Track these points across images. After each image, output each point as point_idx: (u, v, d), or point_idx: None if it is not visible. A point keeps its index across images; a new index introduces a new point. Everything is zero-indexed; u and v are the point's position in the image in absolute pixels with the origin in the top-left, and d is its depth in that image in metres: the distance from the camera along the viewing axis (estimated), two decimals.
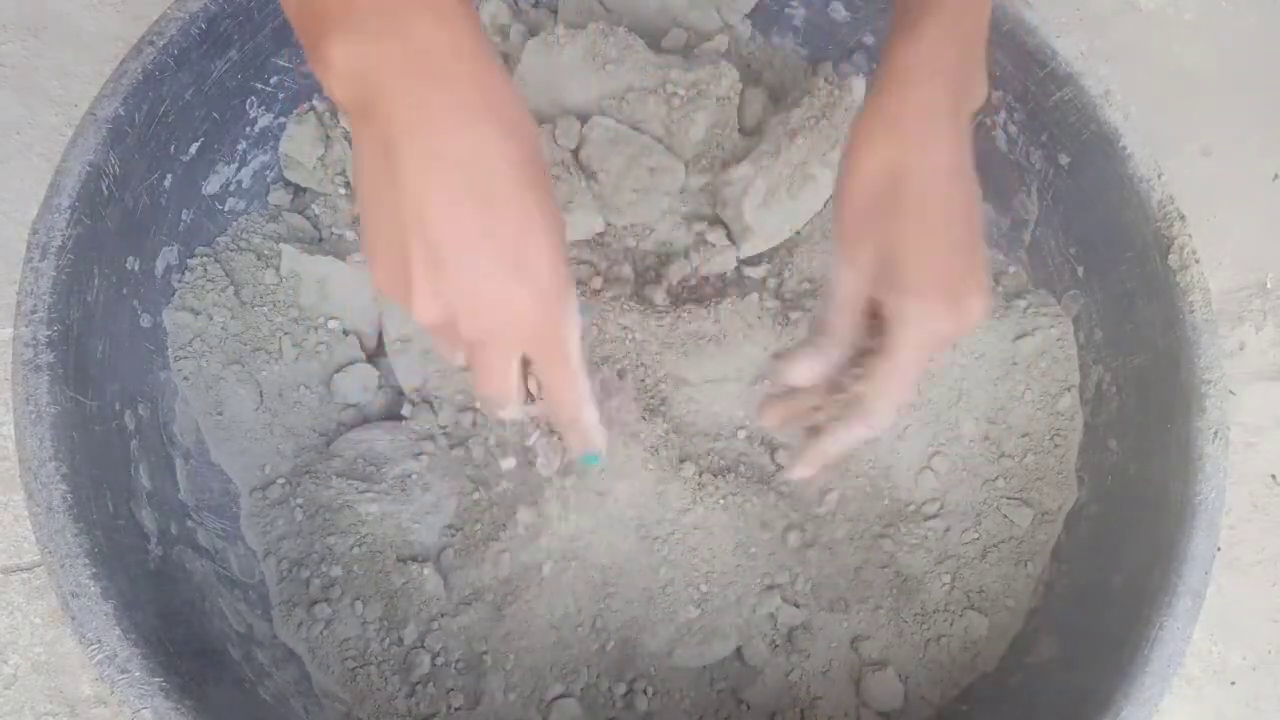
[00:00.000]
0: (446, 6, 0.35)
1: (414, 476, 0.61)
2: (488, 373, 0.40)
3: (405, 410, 0.64)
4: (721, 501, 0.60)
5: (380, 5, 0.34)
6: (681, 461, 0.61)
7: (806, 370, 0.46)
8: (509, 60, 0.71)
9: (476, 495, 0.61)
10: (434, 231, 0.36)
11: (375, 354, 0.66)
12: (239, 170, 0.65)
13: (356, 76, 0.35)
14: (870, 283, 0.44)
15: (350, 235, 0.67)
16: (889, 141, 0.43)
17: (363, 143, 0.36)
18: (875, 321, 0.45)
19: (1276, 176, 0.83)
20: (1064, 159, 0.64)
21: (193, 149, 0.61)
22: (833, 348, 0.45)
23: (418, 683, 0.56)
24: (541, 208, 0.37)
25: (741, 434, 0.63)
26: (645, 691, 0.57)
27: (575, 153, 0.66)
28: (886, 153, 0.43)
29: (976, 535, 0.61)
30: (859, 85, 0.67)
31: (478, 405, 0.44)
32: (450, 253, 0.36)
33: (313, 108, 0.67)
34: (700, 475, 0.60)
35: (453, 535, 0.60)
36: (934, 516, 0.62)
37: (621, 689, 0.57)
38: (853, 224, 0.44)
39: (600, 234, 0.67)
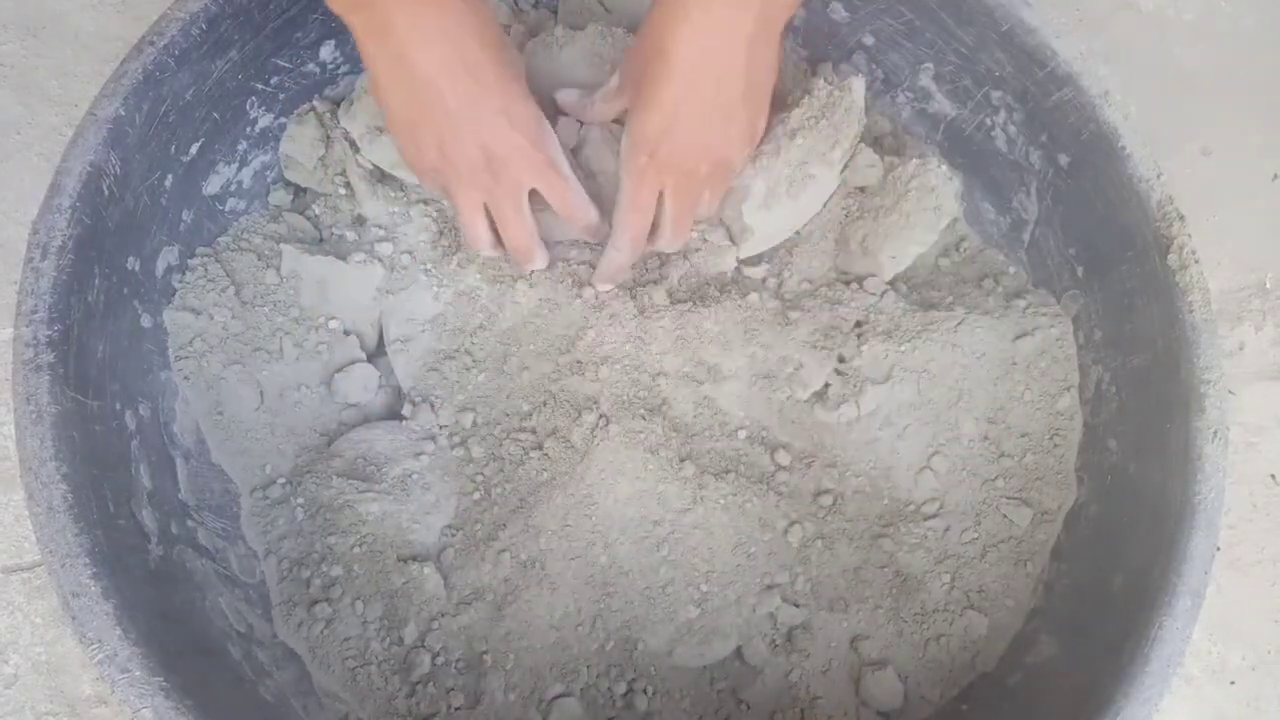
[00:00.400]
0: None
1: (414, 476, 0.61)
2: (508, 219, 0.55)
3: (405, 410, 0.64)
4: (721, 501, 0.60)
5: None
6: (681, 461, 0.61)
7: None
8: None
9: (476, 495, 0.61)
10: (444, 104, 0.51)
11: (375, 354, 0.66)
12: (239, 170, 0.65)
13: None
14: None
15: (350, 235, 0.67)
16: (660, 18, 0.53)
17: (380, 51, 0.50)
18: None
19: (1276, 176, 0.83)
20: (1063, 159, 0.64)
21: (193, 149, 0.61)
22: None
23: (418, 682, 0.56)
24: (511, 73, 0.53)
25: (742, 434, 0.63)
26: (645, 691, 0.57)
27: (575, 152, 0.66)
28: (653, 28, 0.54)
29: (976, 535, 0.61)
30: (859, 85, 0.67)
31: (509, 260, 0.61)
32: (460, 116, 0.52)
33: (313, 108, 0.67)
34: (700, 475, 0.60)
35: (453, 535, 0.60)
36: (934, 516, 0.62)
37: (621, 689, 0.57)
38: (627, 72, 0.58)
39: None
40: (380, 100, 0.53)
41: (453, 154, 0.52)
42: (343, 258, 0.65)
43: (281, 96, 0.66)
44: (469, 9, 0.51)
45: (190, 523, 0.57)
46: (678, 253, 0.68)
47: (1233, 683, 0.69)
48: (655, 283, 0.66)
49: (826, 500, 0.62)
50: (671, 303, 0.65)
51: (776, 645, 0.59)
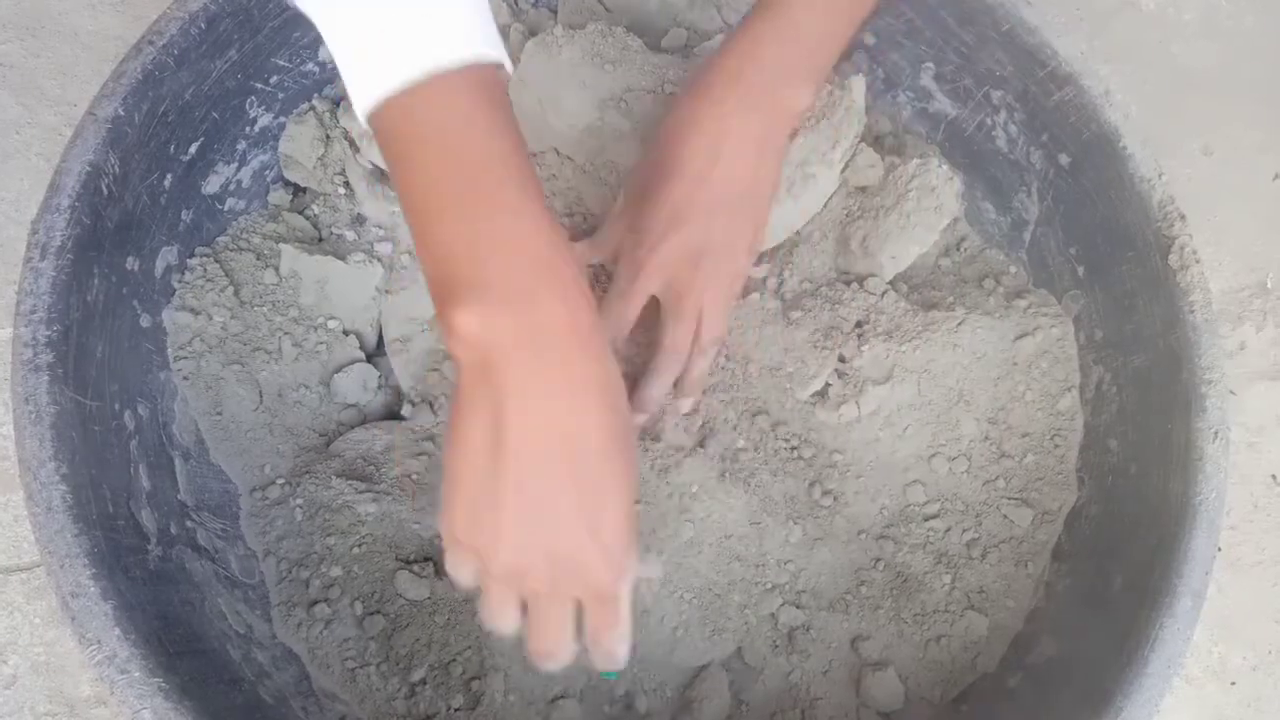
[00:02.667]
0: (569, 287, 0.39)
1: (414, 476, 0.61)
2: (545, 625, 0.44)
3: (405, 410, 0.64)
4: (722, 501, 0.60)
5: (509, 278, 0.38)
6: (683, 459, 0.61)
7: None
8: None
9: None
10: (529, 492, 0.40)
11: (375, 354, 0.66)
12: (239, 170, 0.65)
13: (478, 342, 0.38)
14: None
15: (350, 235, 0.67)
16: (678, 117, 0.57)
17: (474, 400, 0.39)
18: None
19: (1277, 176, 0.83)
20: (1064, 159, 0.64)
21: (192, 149, 0.61)
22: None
23: (417, 683, 0.56)
24: (619, 479, 0.41)
25: (741, 434, 0.63)
26: (645, 692, 0.57)
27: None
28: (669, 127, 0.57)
29: (977, 535, 0.61)
30: (859, 85, 0.67)
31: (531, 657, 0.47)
32: (540, 512, 0.40)
33: (312, 108, 0.67)
34: (700, 475, 0.60)
35: None
36: (934, 517, 0.62)
37: (621, 690, 0.57)
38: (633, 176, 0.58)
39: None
40: (450, 457, 0.41)
41: (514, 547, 0.41)
42: (342, 257, 0.64)
43: (281, 96, 0.66)
44: (596, 371, 0.40)
45: (189, 523, 0.57)
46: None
47: (1234, 683, 0.69)
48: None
49: (827, 500, 0.62)
50: None
51: (777, 646, 0.58)
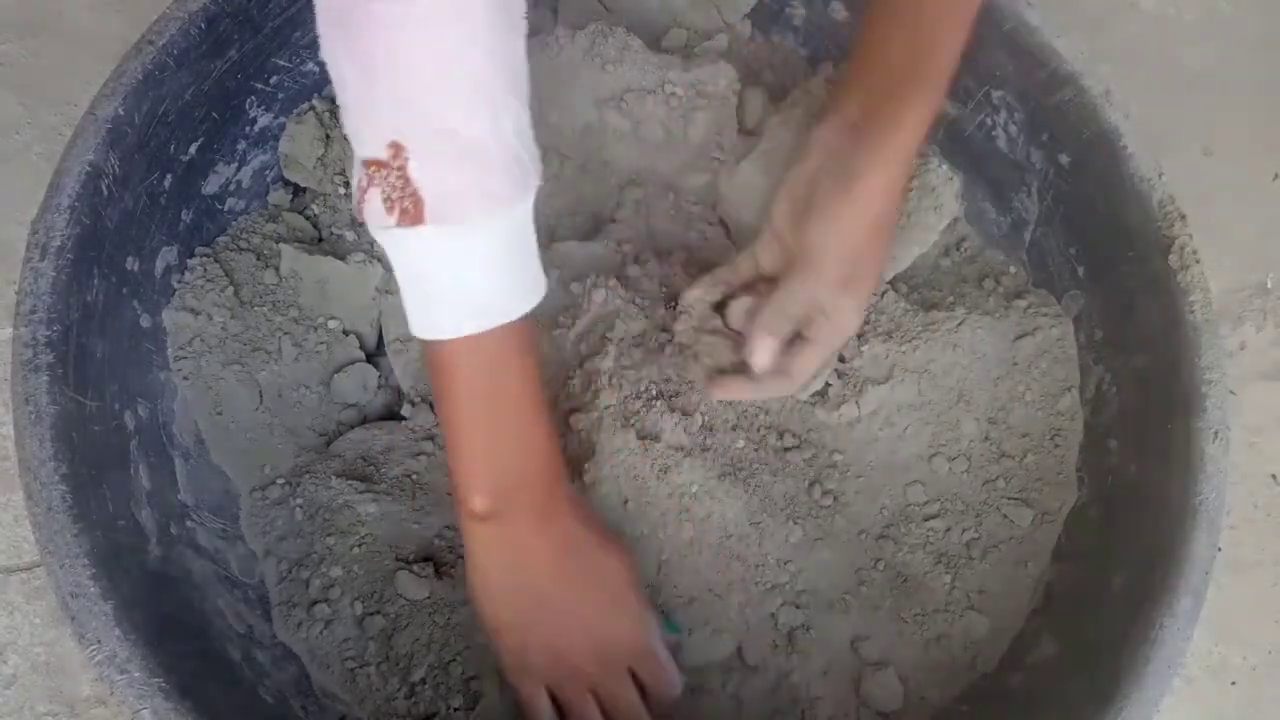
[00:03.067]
0: (547, 499, 0.50)
1: (414, 476, 0.61)
2: (617, 704, 0.53)
3: (405, 410, 0.64)
4: (722, 501, 0.60)
5: (511, 492, 0.49)
6: (683, 459, 0.61)
7: (771, 360, 0.56)
8: None
9: None
10: (554, 598, 0.52)
11: (375, 354, 0.66)
12: (239, 170, 0.65)
13: (489, 513, 0.49)
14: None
15: (350, 235, 0.67)
16: (887, 217, 0.54)
17: (489, 558, 0.51)
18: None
19: (1277, 176, 0.83)
20: (1064, 159, 0.64)
21: (192, 149, 0.61)
22: (727, 281, 0.59)
23: (417, 683, 0.56)
24: (636, 601, 0.54)
25: (741, 434, 0.63)
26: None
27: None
28: (884, 226, 0.54)
29: (977, 535, 0.61)
30: None
31: None
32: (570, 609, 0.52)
33: (312, 107, 0.67)
34: (701, 475, 0.60)
35: (453, 535, 0.60)
36: (934, 517, 0.62)
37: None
38: (846, 271, 0.54)
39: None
40: (485, 605, 0.52)
41: (565, 653, 0.52)
42: (342, 257, 0.64)
43: (281, 96, 0.66)
44: (580, 507, 0.53)
45: (189, 523, 0.57)
46: (679, 248, 0.67)
47: (1234, 683, 0.69)
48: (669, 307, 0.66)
49: (827, 500, 0.62)
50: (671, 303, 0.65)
51: (777, 646, 0.58)
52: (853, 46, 0.55)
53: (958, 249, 0.71)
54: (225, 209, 0.65)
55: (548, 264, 0.65)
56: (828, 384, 0.64)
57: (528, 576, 0.51)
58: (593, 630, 0.52)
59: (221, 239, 0.64)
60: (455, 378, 0.45)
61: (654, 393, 0.62)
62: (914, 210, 0.65)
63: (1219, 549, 0.52)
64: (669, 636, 0.56)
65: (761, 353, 0.55)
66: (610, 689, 0.53)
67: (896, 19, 0.52)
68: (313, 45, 0.65)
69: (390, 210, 0.40)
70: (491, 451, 0.48)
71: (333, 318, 0.64)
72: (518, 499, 0.49)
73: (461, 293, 0.43)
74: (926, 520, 0.62)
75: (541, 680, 0.53)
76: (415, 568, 0.58)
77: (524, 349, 0.46)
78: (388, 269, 0.65)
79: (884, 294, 0.66)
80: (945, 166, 0.66)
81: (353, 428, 0.63)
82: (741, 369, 0.58)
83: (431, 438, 0.63)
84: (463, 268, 0.42)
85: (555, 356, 0.63)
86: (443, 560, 0.60)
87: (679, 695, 0.55)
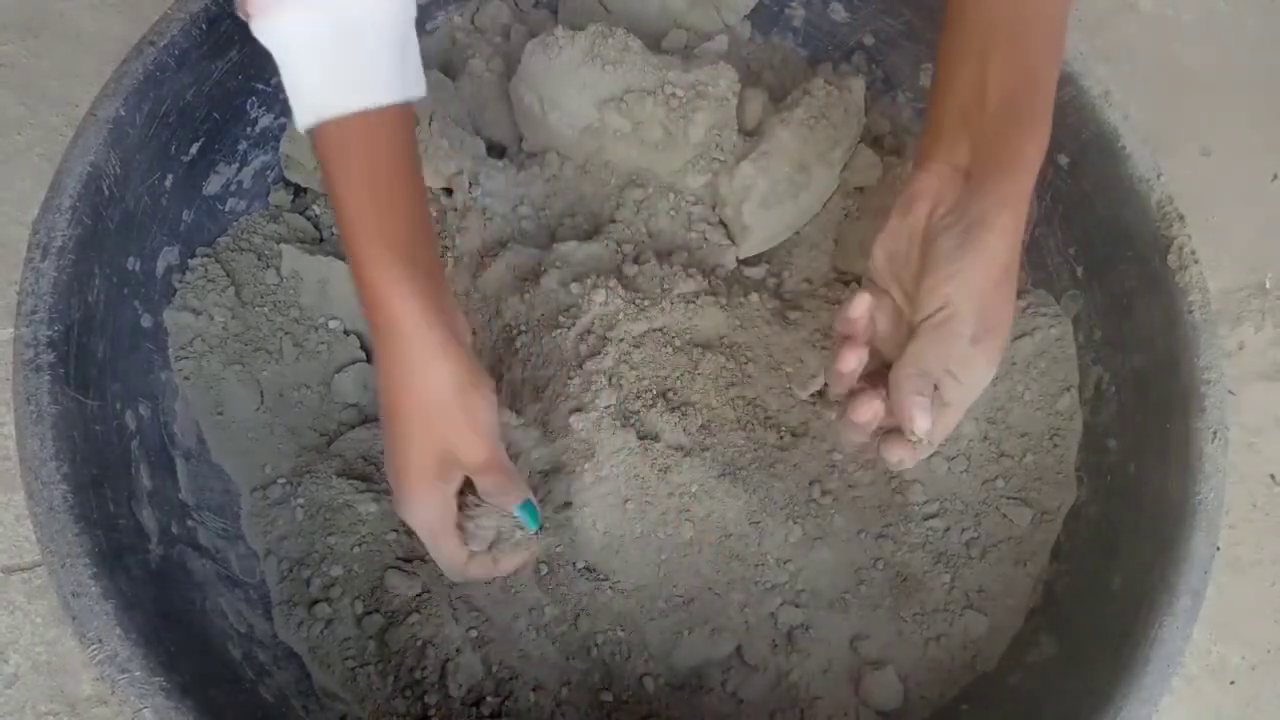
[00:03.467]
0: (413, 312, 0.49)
1: None
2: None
3: None
4: (721, 501, 0.60)
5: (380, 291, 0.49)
6: (683, 459, 0.61)
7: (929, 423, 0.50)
8: (508, 61, 0.72)
9: None
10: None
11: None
12: (239, 170, 0.65)
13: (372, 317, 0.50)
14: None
15: None
16: (1010, 275, 0.49)
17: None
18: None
19: (1276, 176, 0.83)
20: (1063, 159, 0.64)
21: (193, 149, 0.61)
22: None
23: (417, 682, 0.56)
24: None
25: (741, 433, 0.63)
26: (645, 688, 0.57)
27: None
28: (1008, 283, 0.49)
29: (976, 535, 0.61)
30: (859, 85, 0.67)
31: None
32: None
33: None
34: (701, 475, 0.60)
35: None
36: (934, 516, 0.62)
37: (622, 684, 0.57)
38: (981, 329, 0.49)
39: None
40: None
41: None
42: (342, 257, 0.65)
43: (281, 96, 0.65)
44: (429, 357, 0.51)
45: (190, 523, 0.57)
46: (679, 248, 0.67)
47: (1232, 682, 0.69)
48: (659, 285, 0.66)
49: (826, 500, 0.62)
50: (671, 303, 0.65)
51: (776, 645, 0.59)
52: (937, 85, 0.52)
53: None
54: (226, 209, 0.65)
55: (548, 264, 0.65)
56: (827, 384, 0.64)
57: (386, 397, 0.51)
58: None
59: (222, 239, 0.64)
60: (342, 159, 0.47)
61: (654, 393, 0.62)
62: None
63: (1218, 548, 0.52)
64: (529, 530, 0.57)
65: (922, 418, 0.49)
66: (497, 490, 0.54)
67: (992, 53, 0.49)
68: None
69: (240, 6, 0.45)
70: (356, 251, 0.48)
71: (333, 318, 0.64)
72: (381, 299, 0.49)
73: (295, 83, 0.46)
74: (926, 520, 0.62)
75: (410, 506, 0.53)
76: (406, 566, 0.58)
77: (371, 146, 0.47)
78: None
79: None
80: None
81: (353, 427, 0.63)
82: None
83: None
84: (291, 59, 0.45)
85: (555, 356, 0.63)
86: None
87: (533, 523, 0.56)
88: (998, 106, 0.49)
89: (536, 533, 0.57)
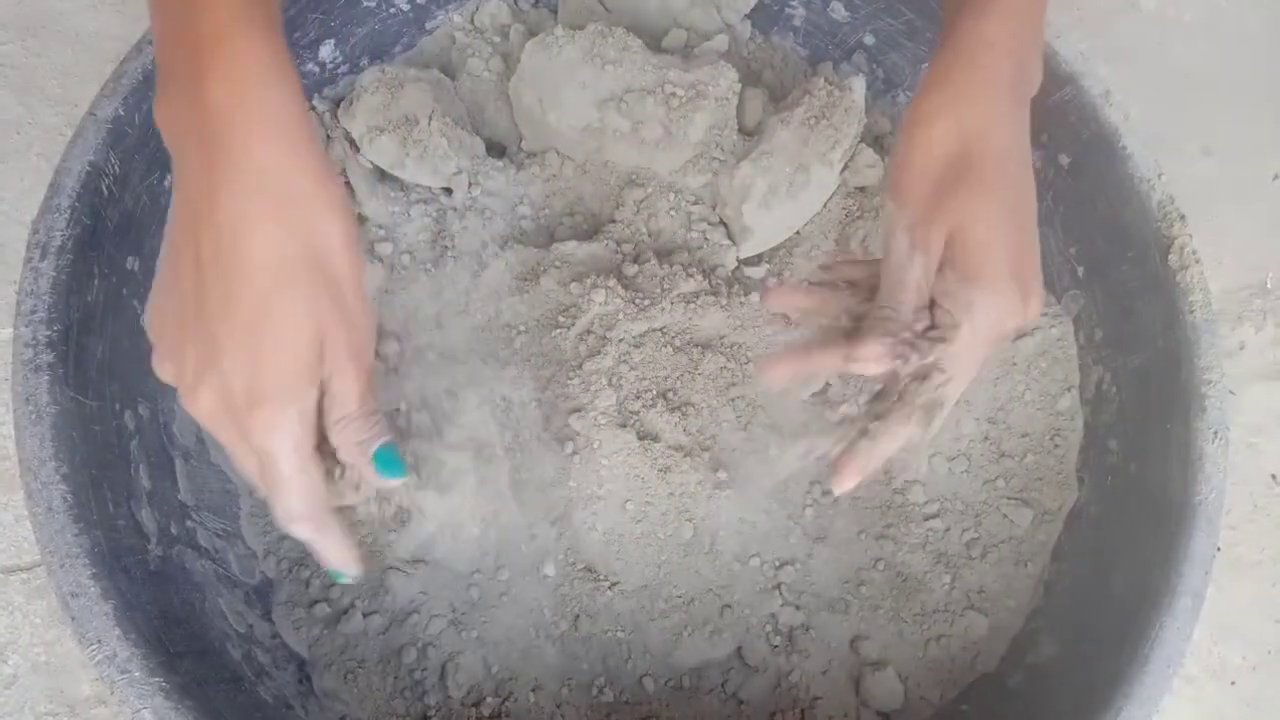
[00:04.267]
0: (245, 65, 0.36)
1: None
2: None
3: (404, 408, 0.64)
4: (722, 501, 0.60)
5: (181, 65, 0.36)
6: (683, 459, 0.61)
7: (884, 361, 0.42)
8: (508, 60, 0.71)
9: None
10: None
11: (375, 353, 0.66)
12: None
13: (164, 135, 0.37)
14: (936, 267, 0.42)
15: None
16: (958, 118, 0.42)
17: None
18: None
19: (1277, 176, 0.83)
20: (1064, 159, 0.64)
21: None
22: (904, 332, 0.42)
23: (416, 683, 0.56)
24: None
25: (740, 433, 0.63)
26: (646, 690, 0.57)
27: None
28: (956, 130, 0.42)
29: (976, 535, 0.61)
30: (859, 85, 0.67)
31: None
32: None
33: (312, 108, 0.67)
34: (700, 474, 0.60)
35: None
36: (934, 516, 0.62)
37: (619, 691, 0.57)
38: (922, 204, 0.42)
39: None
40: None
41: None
42: None
43: None
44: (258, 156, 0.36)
45: (189, 523, 0.57)
46: (679, 247, 0.67)
47: (1233, 683, 0.69)
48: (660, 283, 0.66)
49: (827, 500, 0.62)
50: (671, 303, 0.65)
51: (776, 646, 0.59)
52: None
53: None
54: None
55: (547, 264, 0.65)
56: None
57: (191, 268, 0.36)
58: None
59: None
60: None
61: (654, 393, 0.62)
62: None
63: (1218, 549, 0.52)
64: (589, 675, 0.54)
65: (874, 361, 0.42)
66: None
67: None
68: (313, 45, 0.66)
69: None
70: (156, 22, 0.37)
71: None
72: (178, 120, 0.36)
73: None
74: (926, 520, 0.62)
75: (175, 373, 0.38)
76: (407, 567, 0.58)
77: None
78: (388, 269, 0.65)
79: None
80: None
81: None
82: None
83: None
84: None
85: (555, 356, 0.63)
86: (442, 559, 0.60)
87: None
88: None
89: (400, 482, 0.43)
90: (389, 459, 0.41)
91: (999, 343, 0.43)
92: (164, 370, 0.38)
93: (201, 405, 0.37)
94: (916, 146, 0.43)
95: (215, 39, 0.35)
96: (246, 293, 0.36)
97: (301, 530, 0.41)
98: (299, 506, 0.40)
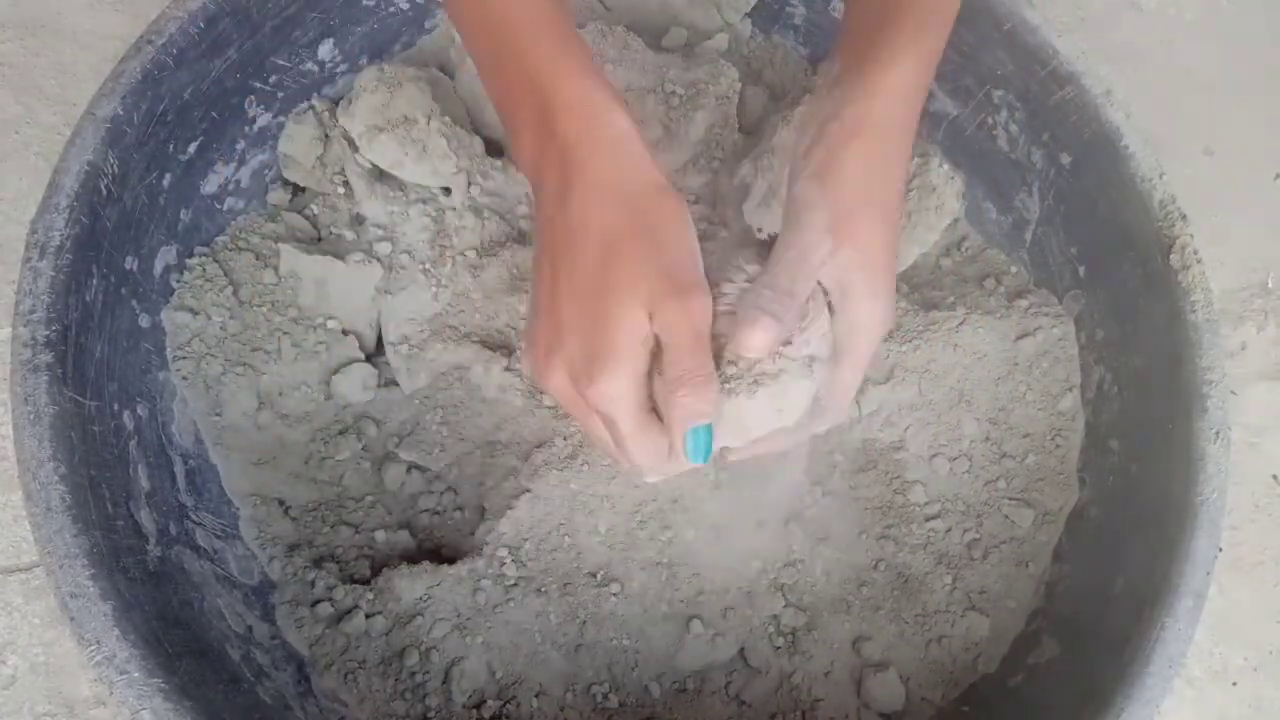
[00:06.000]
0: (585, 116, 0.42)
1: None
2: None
3: None
4: (722, 501, 0.60)
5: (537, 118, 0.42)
6: None
7: (770, 344, 0.43)
8: None
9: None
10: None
11: (375, 354, 0.66)
12: (238, 170, 0.65)
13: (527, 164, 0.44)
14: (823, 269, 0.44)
15: (349, 235, 0.67)
16: (870, 153, 0.45)
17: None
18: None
19: (1278, 176, 0.83)
20: (1065, 159, 0.63)
21: (191, 148, 0.61)
22: (793, 320, 0.44)
23: (417, 684, 0.56)
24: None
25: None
26: (647, 692, 0.57)
27: None
28: (870, 162, 0.45)
29: (978, 536, 0.61)
30: None
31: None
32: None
33: (311, 107, 0.67)
34: (702, 477, 0.60)
35: (453, 532, 0.60)
36: (935, 517, 0.62)
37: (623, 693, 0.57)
38: (836, 215, 0.44)
39: None
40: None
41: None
42: (341, 257, 0.64)
43: (280, 95, 0.65)
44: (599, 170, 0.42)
45: (188, 523, 0.57)
46: None
47: (1235, 684, 0.68)
48: None
49: (827, 501, 0.62)
50: None
51: (779, 647, 0.58)
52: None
53: (959, 249, 0.71)
54: (224, 208, 0.65)
55: None
56: None
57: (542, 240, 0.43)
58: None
59: (220, 239, 0.64)
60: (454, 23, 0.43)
61: None
62: (915, 210, 0.65)
63: (1220, 549, 0.52)
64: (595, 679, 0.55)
65: (756, 335, 0.42)
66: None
67: None
68: (312, 44, 0.65)
69: None
70: (497, 91, 0.43)
71: (332, 318, 0.64)
72: (527, 145, 0.42)
73: None
74: (927, 520, 0.61)
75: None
76: (413, 567, 0.58)
77: None
78: (386, 269, 0.65)
79: None
80: (946, 166, 0.66)
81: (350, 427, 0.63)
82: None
83: None
84: None
85: None
86: (443, 557, 0.59)
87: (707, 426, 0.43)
88: (871, 12, 0.46)
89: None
90: (698, 441, 0.42)
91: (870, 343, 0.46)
92: (525, 365, 0.45)
93: (553, 385, 0.42)
94: (835, 174, 0.45)
95: (554, 84, 0.42)
96: (583, 274, 0.41)
97: (653, 479, 0.47)
98: (643, 463, 0.44)
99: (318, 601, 0.57)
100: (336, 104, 0.67)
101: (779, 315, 0.42)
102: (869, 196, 0.44)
